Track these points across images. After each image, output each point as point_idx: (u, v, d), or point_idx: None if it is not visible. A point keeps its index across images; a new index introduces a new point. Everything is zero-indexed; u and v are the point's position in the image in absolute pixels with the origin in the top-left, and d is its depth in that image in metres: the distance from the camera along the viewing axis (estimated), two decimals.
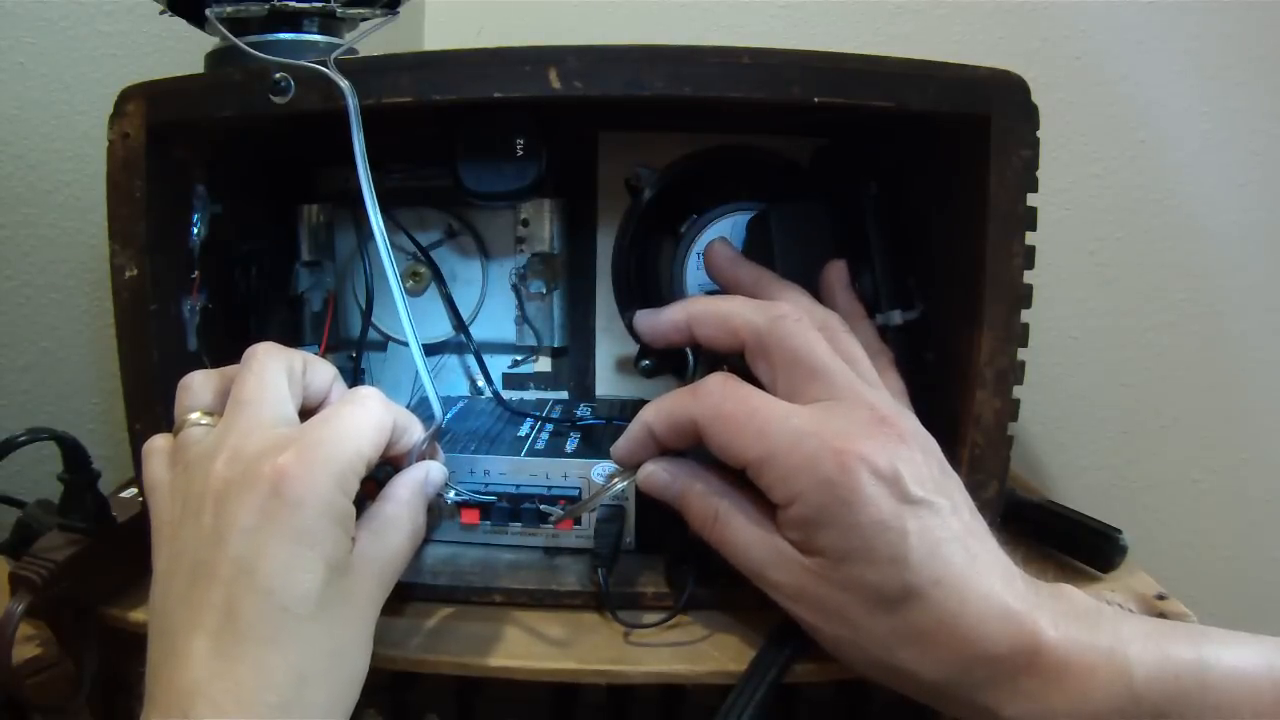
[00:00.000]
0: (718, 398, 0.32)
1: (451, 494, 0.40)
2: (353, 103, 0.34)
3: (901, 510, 0.29)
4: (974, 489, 0.35)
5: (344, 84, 0.34)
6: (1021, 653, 0.28)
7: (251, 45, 0.38)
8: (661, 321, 0.38)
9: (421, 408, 0.52)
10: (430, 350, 0.55)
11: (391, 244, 0.54)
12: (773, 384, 0.34)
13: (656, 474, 0.35)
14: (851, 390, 0.32)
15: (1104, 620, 0.30)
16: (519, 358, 0.56)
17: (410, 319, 0.37)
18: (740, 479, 0.33)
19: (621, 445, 0.36)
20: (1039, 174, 0.37)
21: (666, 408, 0.34)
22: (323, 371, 0.35)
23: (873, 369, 0.35)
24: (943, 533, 0.30)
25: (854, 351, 0.35)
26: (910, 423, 0.33)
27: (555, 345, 0.55)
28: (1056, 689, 0.28)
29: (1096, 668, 0.28)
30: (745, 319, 0.34)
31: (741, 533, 0.33)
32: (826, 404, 0.32)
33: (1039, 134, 0.37)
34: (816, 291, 0.43)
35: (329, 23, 0.43)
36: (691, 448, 0.35)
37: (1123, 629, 0.29)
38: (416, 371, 0.55)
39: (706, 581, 0.38)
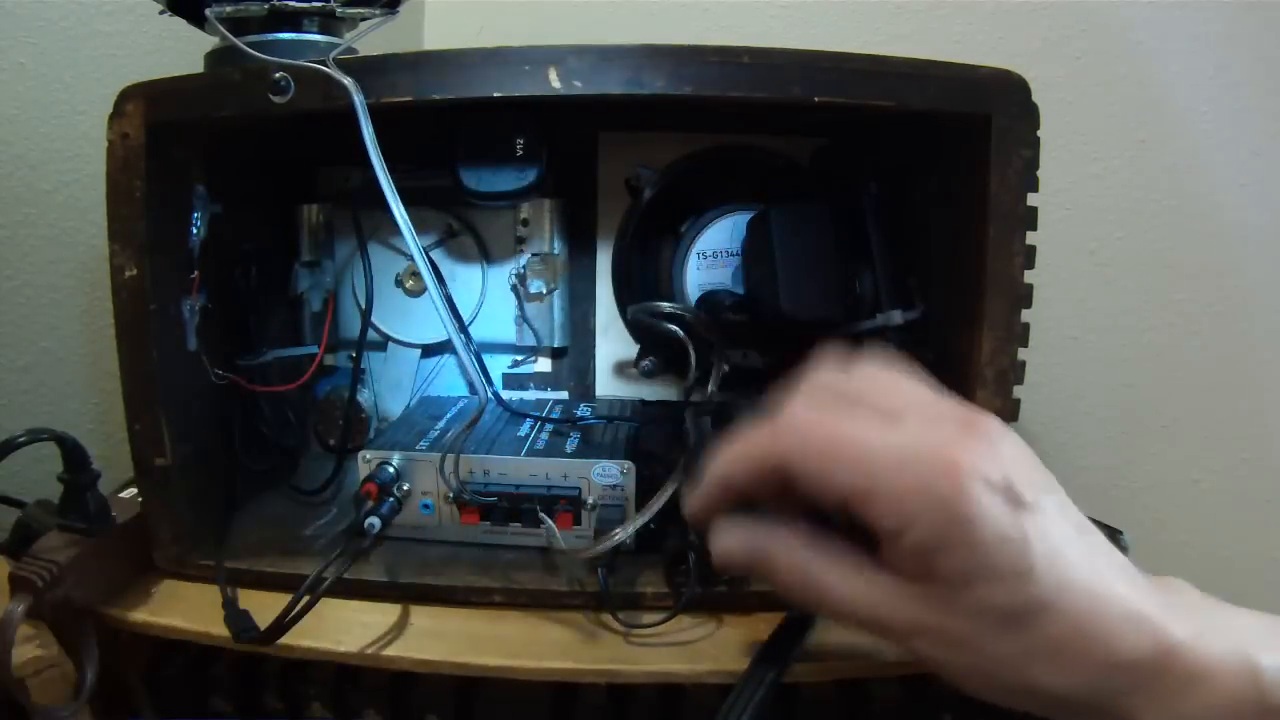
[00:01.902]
0: (804, 430, 0.29)
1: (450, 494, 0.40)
2: (359, 99, 0.34)
3: (1019, 518, 0.27)
4: None
5: (347, 81, 0.34)
6: (1158, 655, 0.27)
7: (251, 45, 0.38)
8: (702, 504, 0.32)
9: (422, 407, 0.52)
10: (430, 350, 0.55)
11: (391, 244, 0.54)
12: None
13: (727, 544, 0.31)
14: (928, 402, 0.29)
15: (1219, 614, 0.28)
16: (519, 358, 0.56)
17: (439, 289, 0.36)
18: (818, 522, 0.30)
19: (695, 504, 0.32)
20: (1039, 174, 0.37)
21: (746, 453, 0.30)
22: None
23: (914, 378, 0.32)
24: (1059, 535, 0.28)
25: (884, 377, 0.32)
26: (993, 421, 0.29)
27: (555, 345, 0.55)
28: (1192, 691, 0.27)
29: (1225, 665, 0.27)
30: (759, 449, 0.30)
31: (844, 581, 0.30)
32: (913, 421, 0.29)
33: (1039, 134, 0.37)
34: (817, 291, 0.43)
35: (329, 22, 0.43)
36: (774, 496, 0.30)
37: (1235, 622, 0.28)
38: (416, 371, 0.56)
39: (707, 581, 0.38)
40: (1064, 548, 0.27)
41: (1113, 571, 0.28)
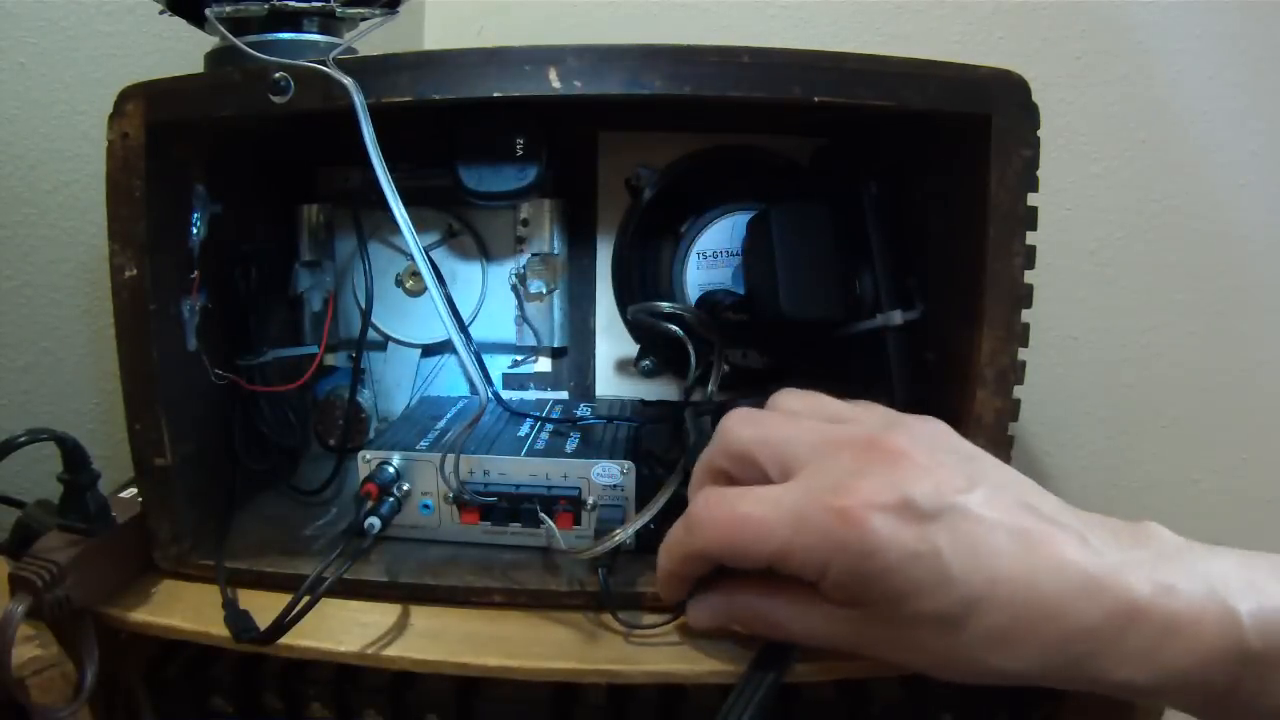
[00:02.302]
0: (707, 519, 0.32)
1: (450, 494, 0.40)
2: (359, 99, 0.34)
3: (925, 531, 0.28)
4: None
5: (347, 81, 0.34)
6: (1117, 616, 0.27)
7: (251, 45, 0.38)
8: (669, 594, 0.36)
9: (422, 407, 0.52)
10: (430, 350, 0.55)
11: (391, 244, 0.54)
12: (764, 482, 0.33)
13: (699, 618, 0.35)
14: (822, 439, 0.31)
15: (1196, 560, 0.29)
16: (519, 358, 0.56)
17: (440, 289, 0.36)
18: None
19: (663, 592, 0.36)
20: (1039, 174, 0.37)
21: (674, 552, 0.34)
22: None
23: (835, 401, 0.35)
24: (979, 530, 0.29)
25: (802, 403, 0.35)
26: (897, 432, 0.31)
27: (555, 345, 0.55)
28: (1167, 644, 0.27)
29: (1201, 616, 0.27)
30: (682, 549, 0.34)
31: (797, 619, 0.32)
32: (807, 469, 0.31)
33: (1039, 134, 0.37)
34: (817, 292, 0.43)
35: (329, 22, 0.43)
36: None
37: (1213, 567, 0.28)
38: (416, 371, 0.56)
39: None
40: (987, 542, 0.28)
41: (1056, 541, 0.28)
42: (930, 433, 0.32)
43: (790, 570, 0.30)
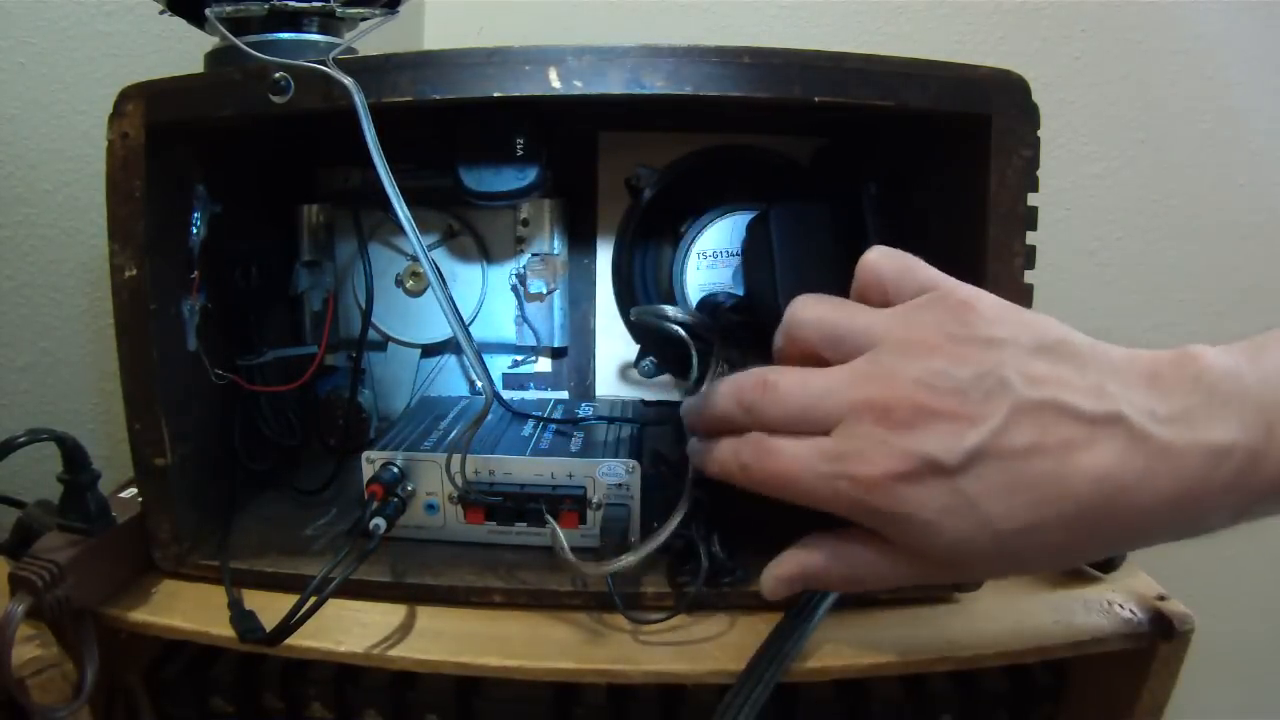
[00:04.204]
0: (755, 466, 0.32)
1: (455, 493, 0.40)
2: (359, 98, 0.34)
3: (954, 485, 0.28)
4: None
5: (348, 81, 0.34)
6: (1180, 499, 0.28)
7: (251, 45, 0.38)
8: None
9: (423, 407, 0.52)
10: (430, 351, 0.55)
11: (391, 244, 0.54)
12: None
13: (786, 582, 0.34)
14: (831, 396, 0.31)
15: (1244, 386, 0.28)
16: (519, 358, 0.56)
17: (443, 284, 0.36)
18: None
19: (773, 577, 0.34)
20: (1039, 174, 0.37)
21: (735, 478, 0.33)
22: None
23: (840, 321, 0.33)
24: (1009, 466, 0.28)
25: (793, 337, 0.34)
26: (894, 359, 0.30)
27: (555, 345, 0.55)
28: (1236, 496, 0.28)
29: (1265, 454, 0.27)
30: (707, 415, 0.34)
31: (860, 567, 0.32)
32: (837, 431, 0.30)
33: (1039, 134, 0.37)
34: (816, 292, 0.43)
35: (328, 22, 0.43)
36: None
37: (1266, 395, 0.28)
38: (416, 371, 0.56)
39: (708, 582, 0.38)
40: (1021, 476, 0.28)
41: (1097, 452, 0.28)
42: (917, 353, 0.30)
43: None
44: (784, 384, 0.32)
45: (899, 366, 0.30)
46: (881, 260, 0.33)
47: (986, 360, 0.29)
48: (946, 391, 0.29)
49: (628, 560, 0.36)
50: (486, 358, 0.55)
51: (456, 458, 0.40)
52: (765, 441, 0.32)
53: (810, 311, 0.33)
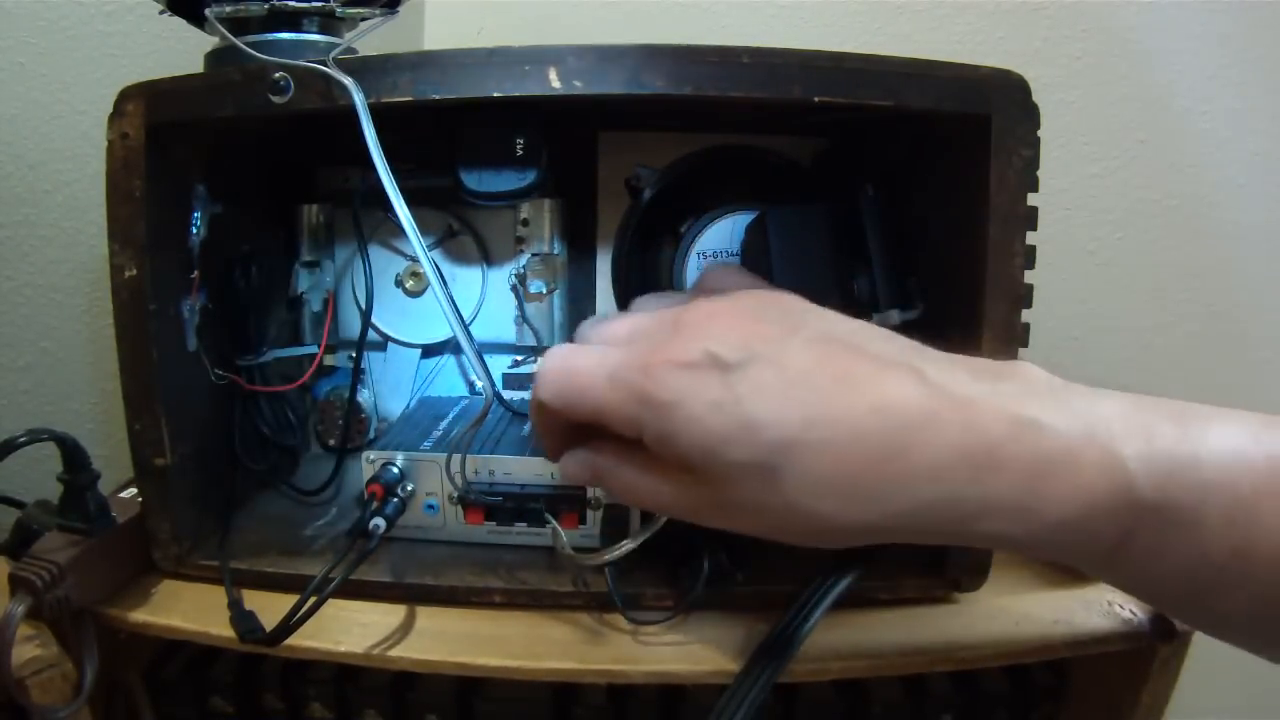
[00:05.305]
0: (545, 370, 0.32)
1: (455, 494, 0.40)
2: (359, 99, 0.34)
3: (728, 379, 0.27)
4: None
5: (348, 81, 0.34)
6: (968, 457, 0.25)
7: (251, 45, 0.38)
8: (548, 447, 0.35)
9: (423, 407, 0.52)
10: (430, 351, 0.55)
11: (391, 244, 0.54)
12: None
13: (568, 470, 0.34)
14: (651, 328, 0.31)
15: (1073, 398, 0.27)
16: (519, 358, 0.56)
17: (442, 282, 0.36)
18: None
19: (542, 447, 0.36)
20: (1039, 174, 0.37)
21: (532, 401, 0.33)
22: None
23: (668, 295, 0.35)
24: (789, 374, 0.27)
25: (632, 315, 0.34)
26: (721, 302, 0.30)
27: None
28: (1034, 491, 0.25)
29: (1076, 459, 0.25)
30: (533, 400, 0.33)
31: (645, 486, 0.31)
32: (641, 340, 0.31)
33: (1039, 134, 0.37)
34: (814, 293, 0.43)
35: (328, 22, 0.43)
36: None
37: (1097, 407, 0.26)
38: (416, 372, 0.56)
39: (708, 582, 0.38)
40: (799, 385, 0.27)
41: (887, 381, 0.27)
42: (770, 299, 0.31)
43: (615, 428, 0.30)
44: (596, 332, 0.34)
45: (702, 305, 0.30)
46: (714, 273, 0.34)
47: (793, 308, 0.30)
48: (744, 310, 0.30)
49: (627, 546, 0.36)
50: (486, 358, 0.55)
51: (456, 458, 0.40)
52: (565, 347, 0.32)
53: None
